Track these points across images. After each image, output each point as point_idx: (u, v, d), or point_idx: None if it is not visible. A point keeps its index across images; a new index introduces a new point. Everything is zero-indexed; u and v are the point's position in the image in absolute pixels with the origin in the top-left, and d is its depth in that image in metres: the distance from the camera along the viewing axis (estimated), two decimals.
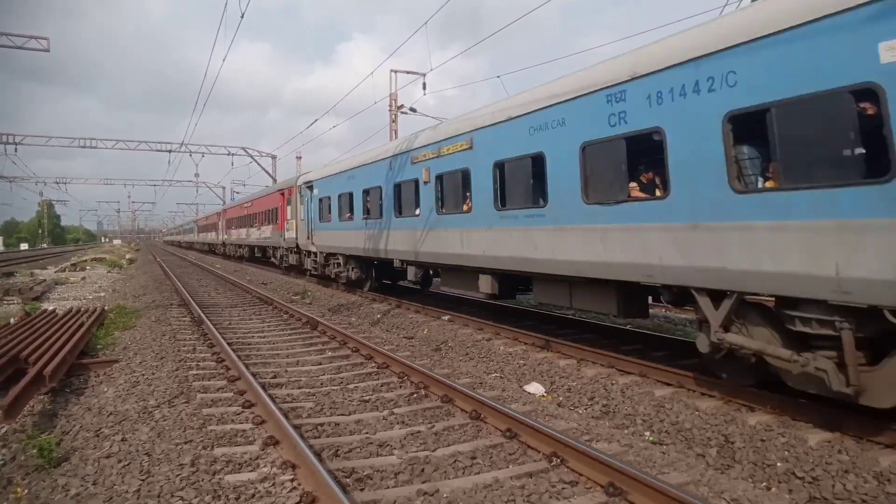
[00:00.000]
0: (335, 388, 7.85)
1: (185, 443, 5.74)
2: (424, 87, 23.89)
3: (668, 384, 7.41)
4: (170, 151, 45.79)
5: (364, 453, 5.56)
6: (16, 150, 41.42)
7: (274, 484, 4.82)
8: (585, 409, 7.19)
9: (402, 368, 8.45)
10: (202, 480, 4.86)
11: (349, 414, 6.74)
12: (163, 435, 5.99)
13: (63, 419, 6.71)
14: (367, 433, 6.08)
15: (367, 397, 7.36)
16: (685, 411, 6.48)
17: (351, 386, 7.94)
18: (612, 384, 7.56)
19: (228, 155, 47.73)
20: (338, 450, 5.57)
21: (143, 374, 8.49)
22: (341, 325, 12.71)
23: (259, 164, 46.78)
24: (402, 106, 26.62)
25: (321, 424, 6.32)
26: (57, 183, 68.98)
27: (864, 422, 5.51)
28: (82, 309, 13.94)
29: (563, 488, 4.76)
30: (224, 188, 71.66)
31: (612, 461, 4.79)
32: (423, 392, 7.54)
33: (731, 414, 6.24)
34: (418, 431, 6.09)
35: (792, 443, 5.44)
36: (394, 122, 26.68)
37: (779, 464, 5.22)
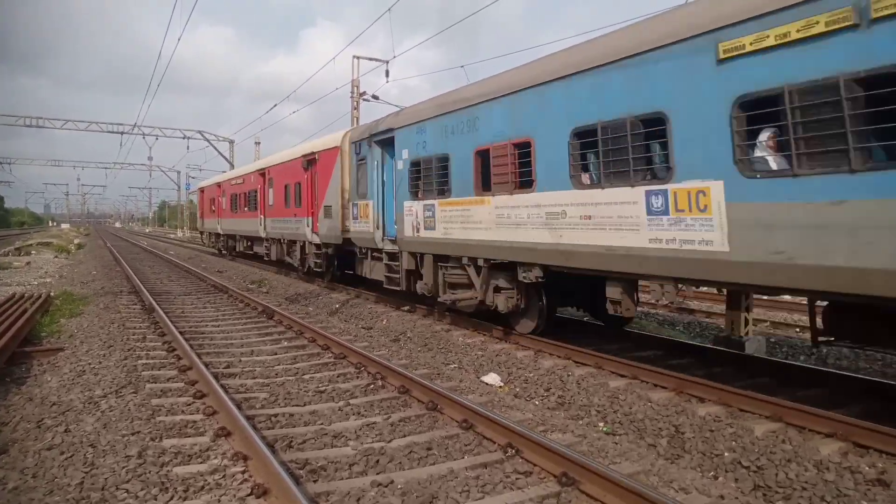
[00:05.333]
0: (290, 378, 7.72)
1: (133, 434, 5.55)
2: (387, 75, 23.74)
3: (623, 376, 7.54)
4: (122, 133, 44.36)
5: (318, 444, 5.48)
6: None
7: (224, 476, 4.71)
8: (541, 399, 7.27)
9: (359, 359, 8.37)
10: (149, 472, 4.71)
11: (304, 405, 6.64)
12: (109, 426, 5.78)
13: (2, 409, 6.41)
14: (322, 424, 6.00)
15: (322, 388, 7.26)
16: (638, 402, 6.61)
17: (307, 376, 7.83)
18: (569, 375, 7.65)
19: (184, 138, 46.51)
20: (291, 441, 5.48)
21: (90, 363, 8.19)
22: (298, 314, 12.53)
23: (216, 149, 45.78)
24: (364, 93, 26.34)
25: (275, 415, 6.21)
26: (0, 163, 66.00)
27: (806, 413, 5.71)
28: (26, 295, 13.37)
29: (517, 478, 4.79)
30: (179, 172, 69.87)
31: (565, 451, 4.84)
32: (380, 383, 7.49)
33: (682, 405, 6.39)
34: (374, 422, 6.04)
35: (739, 433, 5.61)
36: (355, 109, 26.37)
37: (726, 453, 5.38)
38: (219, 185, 30.10)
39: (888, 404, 6.08)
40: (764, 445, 5.34)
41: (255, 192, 22.64)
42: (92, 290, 16.51)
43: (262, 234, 21.89)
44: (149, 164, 60.03)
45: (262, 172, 22.19)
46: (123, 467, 4.79)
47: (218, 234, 30.63)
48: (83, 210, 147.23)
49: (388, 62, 24.44)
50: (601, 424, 6.42)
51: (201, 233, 37.26)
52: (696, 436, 5.74)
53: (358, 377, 7.83)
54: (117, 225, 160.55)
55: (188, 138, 46.52)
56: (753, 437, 5.49)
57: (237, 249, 27.34)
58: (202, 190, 35.49)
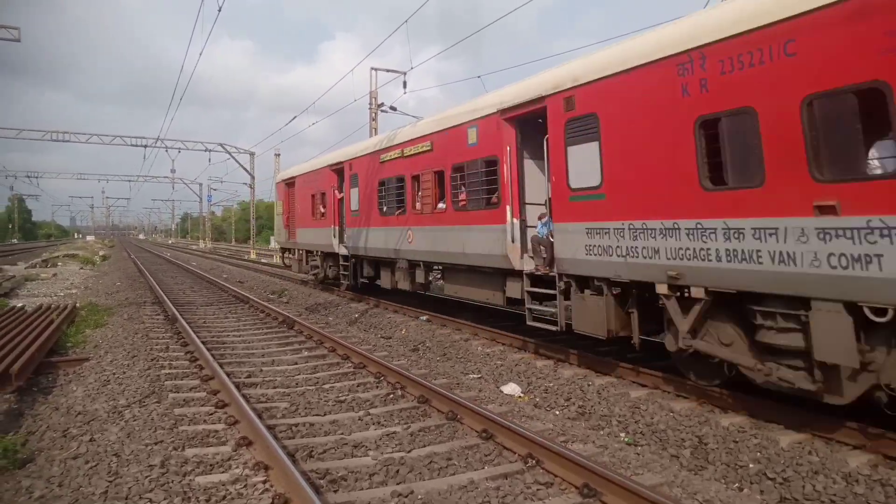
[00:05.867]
0: (311, 388, 7.77)
1: (156, 443, 5.62)
2: (405, 86, 23.87)
3: (644, 385, 7.46)
4: (145, 146, 45.07)
5: (339, 454, 5.50)
6: None
7: (246, 485, 4.75)
8: (562, 409, 7.21)
9: (378, 368, 8.39)
10: (172, 482, 4.76)
11: (324, 414, 6.67)
12: (132, 435, 5.86)
13: (29, 419, 6.54)
14: (342, 434, 6.02)
15: (342, 398, 7.29)
16: (660, 412, 6.53)
17: (327, 386, 7.86)
18: (589, 385, 7.58)
19: (205, 151, 47.18)
20: (312, 451, 5.51)
21: (114, 373, 8.32)
22: (318, 324, 12.60)
23: (236, 161, 46.37)
24: (382, 104, 26.52)
25: (295, 425, 6.24)
26: (28, 177, 67.62)
27: (833, 423, 5.59)
28: (52, 306, 13.62)
29: (538, 489, 4.76)
30: (201, 185, 70.96)
31: (586, 462, 4.79)
32: (399, 392, 7.49)
33: (705, 415, 6.30)
34: (394, 432, 6.04)
35: (764, 444, 5.51)
36: (373, 120, 26.57)
37: (751, 465, 5.28)
38: (337, 168, 16.76)
39: None
40: (790, 457, 5.24)
41: (491, 164, 9.81)
42: (116, 300, 16.78)
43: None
44: (171, 177, 61.07)
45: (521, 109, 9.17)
46: (147, 476, 4.85)
47: (331, 255, 17.48)
48: (108, 222, 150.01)
49: (405, 73, 24.60)
50: (623, 435, 6.35)
51: (284, 251, 23.23)
52: (719, 447, 5.65)
53: (378, 387, 7.84)
54: (141, 237, 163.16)
55: (209, 150, 47.19)
56: (779, 448, 5.39)
57: (391, 284, 14.02)
58: (289, 183, 21.29)
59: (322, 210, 17.68)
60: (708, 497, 4.72)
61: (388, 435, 5.98)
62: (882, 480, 4.70)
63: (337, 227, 16.75)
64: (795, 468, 5.07)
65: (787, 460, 5.20)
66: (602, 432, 6.47)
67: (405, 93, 24.34)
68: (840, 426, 5.53)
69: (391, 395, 7.41)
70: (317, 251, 18.72)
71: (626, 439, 6.24)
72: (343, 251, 16.50)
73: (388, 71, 26.45)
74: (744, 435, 5.73)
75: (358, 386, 7.88)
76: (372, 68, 26.27)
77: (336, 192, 16.75)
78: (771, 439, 5.55)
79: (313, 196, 18.43)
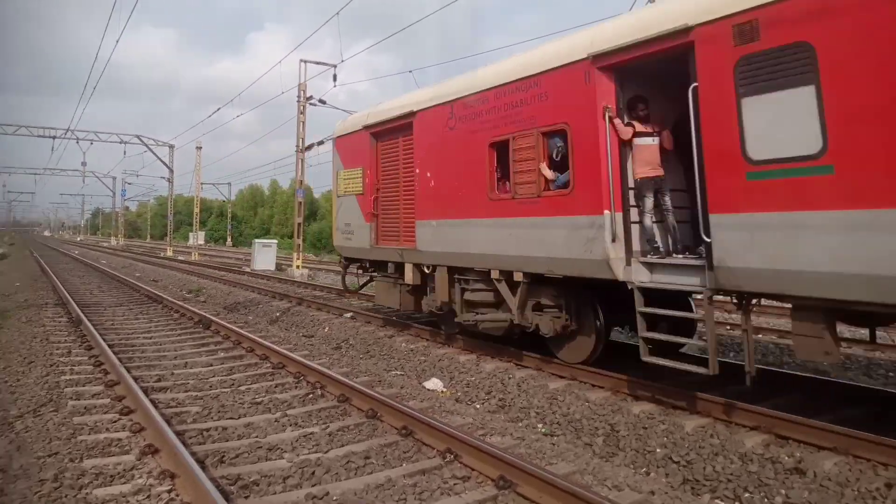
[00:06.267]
0: (225, 390, 7.48)
1: (50, 455, 5.23)
2: (335, 79, 23.42)
3: (562, 377, 7.64)
4: (53, 138, 41.96)
5: (252, 458, 5.31)
6: None
7: (149, 496, 4.50)
8: (482, 403, 7.28)
9: (298, 368, 8.19)
10: (65, 496, 4.45)
11: (239, 417, 6.43)
12: (23, 448, 5.44)
13: None
14: (256, 437, 5.82)
15: (259, 399, 7.06)
16: (576, 403, 6.71)
17: (243, 388, 7.59)
18: (510, 378, 7.70)
19: (121, 143, 44.47)
20: (223, 456, 5.29)
21: (6, 381, 7.71)
22: (237, 323, 12.18)
23: (154, 153, 44.06)
24: (311, 97, 25.91)
25: (207, 430, 5.98)
26: None
27: (733, 407, 5.91)
28: None
29: (454, 484, 4.77)
30: (114, 178, 67.10)
31: (502, 455, 4.85)
32: (319, 392, 7.34)
33: (618, 404, 6.52)
34: (311, 433, 5.90)
35: (671, 429, 5.76)
36: (302, 113, 25.92)
37: (658, 450, 5.51)
38: (637, 56, 6.22)
39: (809, 396, 6.40)
40: (693, 440, 5.51)
41: None
42: (14, 302, 15.58)
43: None
44: (82, 170, 57.10)
45: None
46: (37, 492, 4.51)
47: (556, 284, 7.43)
48: (9, 218, 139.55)
49: (335, 66, 24.09)
50: (540, 426, 6.48)
51: (349, 265, 12.13)
52: (630, 433, 5.86)
53: (297, 387, 7.65)
54: (46, 233, 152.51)
55: (125, 143, 44.45)
56: (684, 433, 5.66)
57: None
58: (388, 129, 10.38)
59: (529, 179, 7.58)
60: (617, 482, 4.88)
61: (305, 436, 5.83)
62: (773, 458, 5.02)
63: (618, 214, 6.61)
64: (698, 451, 5.34)
65: (691, 444, 5.47)
66: (521, 424, 6.58)
67: (335, 86, 23.84)
68: (739, 409, 5.85)
69: (310, 395, 7.25)
70: (495, 272, 8.24)
71: (542, 430, 6.38)
72: (643, 278, 6.54)
73: (317, 63, 25.81)
74: (653, 421, 5.98)
75: (276, 387, 7.66)
76: (301, 60, 25.60)
77: (613, 123, 6.65)
78: (678, 424, 5.82)
79: (496, 145, 8.15)
